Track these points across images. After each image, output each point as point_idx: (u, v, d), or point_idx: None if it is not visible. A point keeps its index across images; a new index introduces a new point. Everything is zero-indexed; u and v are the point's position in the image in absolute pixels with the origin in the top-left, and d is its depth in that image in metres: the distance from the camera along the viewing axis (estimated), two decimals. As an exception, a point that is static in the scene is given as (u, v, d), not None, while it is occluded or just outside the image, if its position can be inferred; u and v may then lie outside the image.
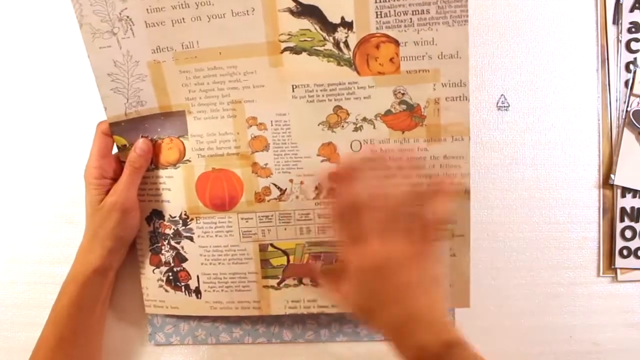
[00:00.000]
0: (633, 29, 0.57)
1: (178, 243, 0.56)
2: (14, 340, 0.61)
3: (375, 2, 0.49)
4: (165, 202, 0.56)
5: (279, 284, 0.56)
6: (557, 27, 0.58)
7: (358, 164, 0.47)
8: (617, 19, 0.57)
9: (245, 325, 0.60)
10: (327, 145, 0.53)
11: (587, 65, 0.58)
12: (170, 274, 0.57)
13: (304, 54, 0.51)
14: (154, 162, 0.55)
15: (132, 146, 0.53)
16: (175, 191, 0.55)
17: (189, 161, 0.54)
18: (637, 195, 0.58)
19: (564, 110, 0.58)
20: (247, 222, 0.55)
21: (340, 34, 0.50)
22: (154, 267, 0.57)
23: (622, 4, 0.57)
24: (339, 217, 0.46)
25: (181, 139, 0.54)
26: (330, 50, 0.50)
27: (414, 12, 0.49)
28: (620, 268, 0.59)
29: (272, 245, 0.56)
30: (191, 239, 0.56)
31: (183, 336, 0.61)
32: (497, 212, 0.59)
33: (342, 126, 0.52)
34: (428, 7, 0.48)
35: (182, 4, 0.49)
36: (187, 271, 0.57)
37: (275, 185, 0.54)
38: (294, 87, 0.51)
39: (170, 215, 0.56)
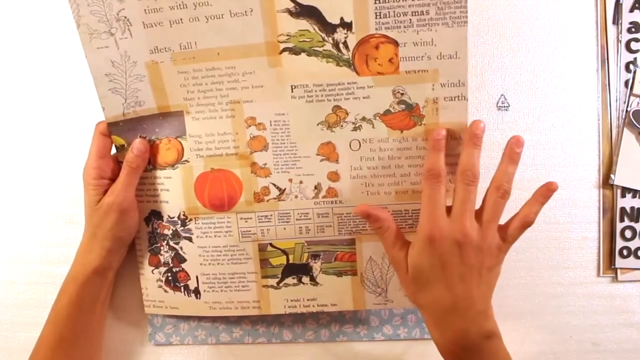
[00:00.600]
0: (633, 29, 0.57)
1: (177, 243, 0.56)
2: (14, 340, 0.61)
3: (375, 3, 0.48)
4: (164, 203, 0.56)
5: (278, 282, 0.57)
6: (557, 27, 0.57)
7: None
8: (617, 19, 0.57)
9: (245, 325, 0.61)
10: (326, 144, 0.53)
11: (587, 65, 0.58)
12: (169, 274, 0.57)
13: (303, 55, 0.50)
14: (152, 163, 0.55)
15: (130, 146, 0.53)
16: (174, 192, 0.55)
17: (188, 162, 0.54)
18: (637, 195, 0.58)
19: (564, 110, 0.58)
20: (246, 222, 0.55)
21: (340, 34, 0.50)
22: (153, 268, 0.57)
23: (622, 4, 0.57)
24: (435, 177, 0.47)
25: (179, 139, 0.54)
26: (330, 50, 0.50)
27: (414, 13, 0.48)
28: (620, 268, 0.59)
29: (271, 244, 0.56)
30: (190, 239, 0.56)
31: (183, 336, 0.61)
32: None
33: (341, 126, 0.52)
34: (427, 8, 0.48)
35: (179, 5, 0.49)
36: (186, 272, 0.57)
37: (275, 185, 0.54)
38: (293, 87, 0.51)
39: (168, 216, 0.56)
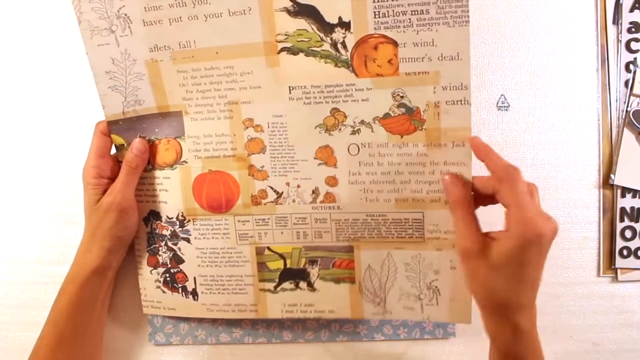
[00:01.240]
0: (633, 29, 0.57)
1: (175, 244, 0.56)
2: (14, 340, 0.61)
3: (373, 2, 0.47)
4: (163, 203, 0.56)
5: (275, 287, 0.56)
6: (557, 27, 0.57)
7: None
8: (617, 19, 0.57)
9: (245, 326, 0.61)
10: (324, 148, 0.52)
11: (587, 65, 0.58)
12: (167, 275, 0.57)
13: (301, 55, 0.50)
14: (151, 163, 0.55)
15: (129, 146, 0.53)
16: (172, 192, 0.55)
17: (186, 162, 0.54)
18: (637, 195, 0.58)
19: (564, 110, 0.58)
20: (243, 224, 0.55)
21: (338, 34, 0.49)
22: (152, 268, 0.57)
23: (622, 4, 0.56)
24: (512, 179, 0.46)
25: (178, 139, 0.54)
26: (328, 51, 0.49)
27: (413, 12, 0.47)
28: (620, 268, 0.59)
29: (268, 248, 0.55)
30: (188, 240, 0.56)
31: (183, 336, 0.61)
32: (498, 213, 0.58)
33: (340, 129, 0.51)
34: (427, 7, 0.47)
35: (179, 3, 0.49)
36: (184, 273, 0.57)
37: (272, 188, 0.54)
38: (291, 88, 0.51)
39: (167, 217, 0.56)
